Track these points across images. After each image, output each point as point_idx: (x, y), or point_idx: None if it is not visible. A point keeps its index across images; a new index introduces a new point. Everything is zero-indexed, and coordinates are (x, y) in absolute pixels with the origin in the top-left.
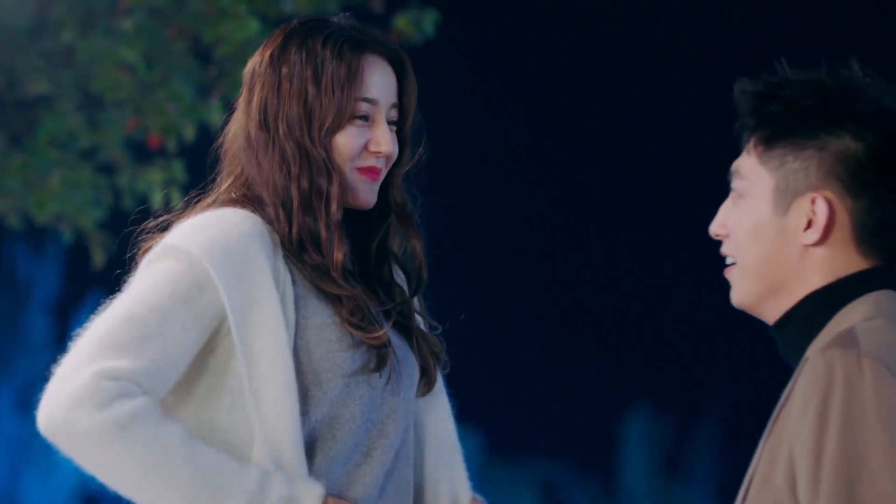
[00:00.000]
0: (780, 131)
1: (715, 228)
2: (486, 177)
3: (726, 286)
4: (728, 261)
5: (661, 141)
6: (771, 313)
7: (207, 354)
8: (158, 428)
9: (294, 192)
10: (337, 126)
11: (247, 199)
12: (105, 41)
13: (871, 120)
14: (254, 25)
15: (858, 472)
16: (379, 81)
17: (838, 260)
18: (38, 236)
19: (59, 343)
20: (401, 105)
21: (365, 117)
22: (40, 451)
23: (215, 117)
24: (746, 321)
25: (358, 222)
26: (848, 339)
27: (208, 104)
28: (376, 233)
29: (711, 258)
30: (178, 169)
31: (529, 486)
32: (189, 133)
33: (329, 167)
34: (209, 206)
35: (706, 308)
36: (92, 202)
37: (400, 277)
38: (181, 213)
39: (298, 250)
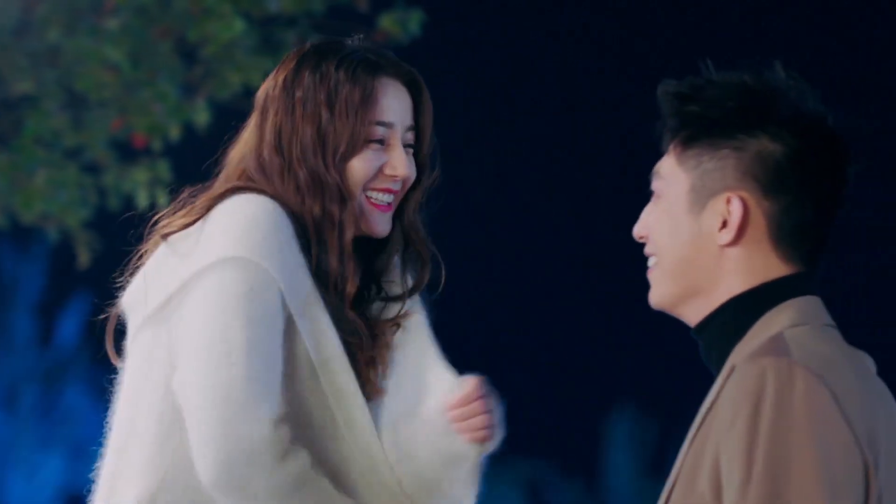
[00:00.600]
0: (698, 132)
1: (637, 230)
2: (473, 176)
3: None
4: (650, 262)
5: (652, 145)
6: (690, 315)
7: None
8: (321, 484)
9: (308, 219)
10: (351, 151)
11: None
12: (90, 40)
13: (791, 122)
14: (239, 25)
15: (784, 483)
16: (394, 104)
17: (756, 262)
18: (23, 236)
19: (43, 343)
20: (417, 127)
21: (381, 141)
22: (24, 450)
23: (201, 117)
24: None
25: (363, 246)
26: (779, 347)
27: (194, 104)
28: (382, 255)
29: None
30: (164, 168)
31: (513, 485)
32: (174, 133)
33: (343, 193)
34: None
35: None
36: (77, 202)
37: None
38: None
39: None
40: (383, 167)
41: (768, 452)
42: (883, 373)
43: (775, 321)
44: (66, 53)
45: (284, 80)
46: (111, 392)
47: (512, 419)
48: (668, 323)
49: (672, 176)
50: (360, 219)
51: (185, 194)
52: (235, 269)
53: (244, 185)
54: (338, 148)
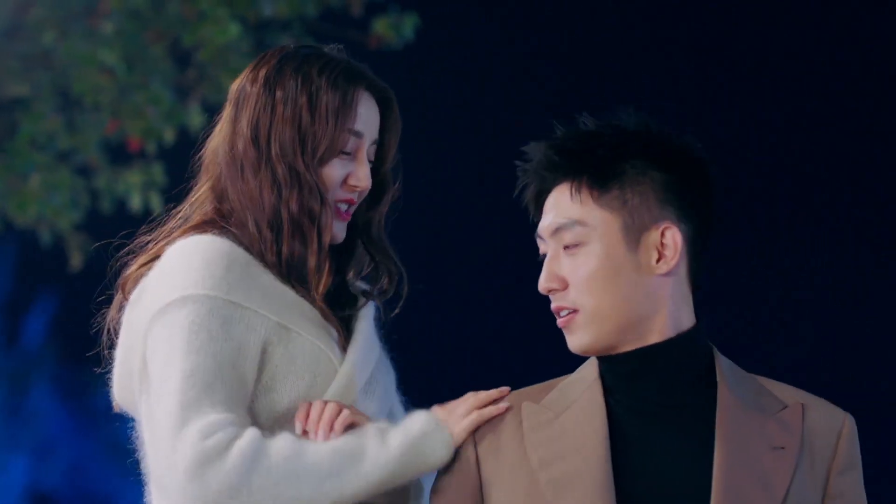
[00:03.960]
0: (611, 172)
1: (548, 284)
2: (468, 179)
3: None
4: (563, 312)
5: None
6: (625, 345)
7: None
8: (278, 444)
9: (284, 215)
10: (329, 155)
11: (218, 215)
12: (85, 44)
13: (685, 151)
14: (234, 29)
15: None
16: (366, 116)
17: (680, 285)
18: None
19: (10, 343)
20: (381, 143)
21: (348, 151)
22: None
23: (195, 120)
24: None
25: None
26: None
27: (187, 107)
28: (346, 270)
29: None
30: (158, 172)
31: None
32: (169, 136)
33: (321, 191)
34: (180, 221)
35: None
36: (70, 204)
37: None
38: (159, 235)
39: (284, 275)
40: (348, 177)
41: None
42: None
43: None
44: (61, 56)
45: (266, 77)
46: (77, 392)
47: None
48: None
49: (596, 220)
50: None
51: (140, 238)
52: (184, 306)
53: (194, 226)
54: (316, 151)
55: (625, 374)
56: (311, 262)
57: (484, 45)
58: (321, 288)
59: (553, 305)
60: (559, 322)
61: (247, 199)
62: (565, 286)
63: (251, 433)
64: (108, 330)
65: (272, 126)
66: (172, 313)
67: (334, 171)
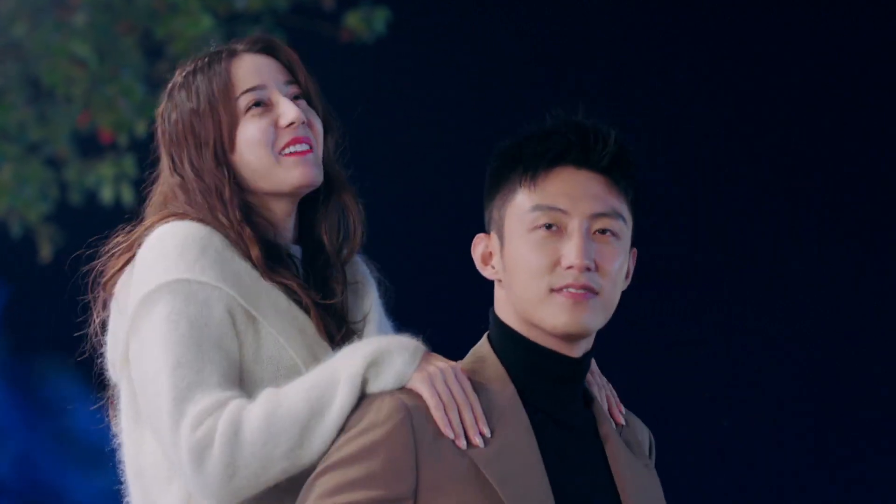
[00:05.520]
0: (636, 179)
1: (590, 263)
2: (439, 174)
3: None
4: (589, 293)
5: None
6: (583, 344)
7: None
8: (252, 411)
9: (225, 222)
10: (231, 132)
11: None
12: (56, 35)
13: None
14: (206, 22)
15: None
16: (253, 71)
17: None
18: None
19: None
20: (300, 86)
21: (258, 104)
22: None
23: None
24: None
25: (307, 214)
26: None
27: (159, 100)
28: (320, 219)
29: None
30: (129, 164)
31: None
32: (141, 128)
33: (227, 174)
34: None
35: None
36: (40, 196)
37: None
38: (134, 234)
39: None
40: (277, 122)
41: None
42: None
43: None
44: (31, 47)
45: (162, 113)
46: (26, 383)
47: None
48: (622, 327)
49: (629, 219)
50: (289, 178)
51: (118, 236)
52: (162, 297)
53: (164, 217)
54: (220, 136)
55: (556, 377)
56: (232, 235)
57: (456, 39)
58: (255, 253)
59: (581, 282)
60: (575, 294)
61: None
62: (595, 269)
63: (229, 409)
64: (95, 328)
65: (181, 149)
66: (151, 305)
67: (254, 126)
